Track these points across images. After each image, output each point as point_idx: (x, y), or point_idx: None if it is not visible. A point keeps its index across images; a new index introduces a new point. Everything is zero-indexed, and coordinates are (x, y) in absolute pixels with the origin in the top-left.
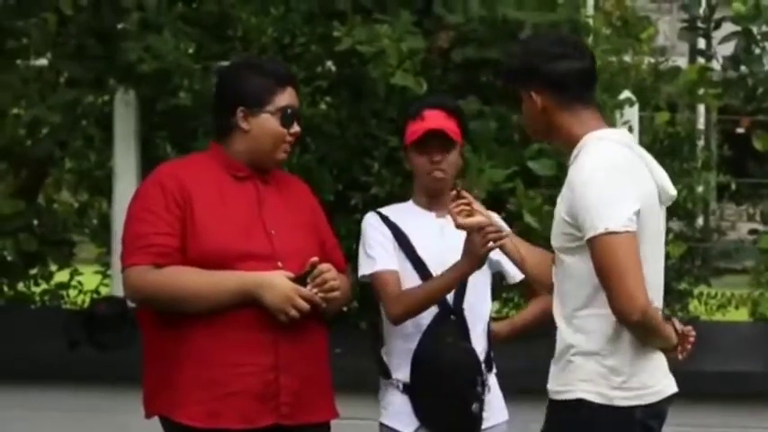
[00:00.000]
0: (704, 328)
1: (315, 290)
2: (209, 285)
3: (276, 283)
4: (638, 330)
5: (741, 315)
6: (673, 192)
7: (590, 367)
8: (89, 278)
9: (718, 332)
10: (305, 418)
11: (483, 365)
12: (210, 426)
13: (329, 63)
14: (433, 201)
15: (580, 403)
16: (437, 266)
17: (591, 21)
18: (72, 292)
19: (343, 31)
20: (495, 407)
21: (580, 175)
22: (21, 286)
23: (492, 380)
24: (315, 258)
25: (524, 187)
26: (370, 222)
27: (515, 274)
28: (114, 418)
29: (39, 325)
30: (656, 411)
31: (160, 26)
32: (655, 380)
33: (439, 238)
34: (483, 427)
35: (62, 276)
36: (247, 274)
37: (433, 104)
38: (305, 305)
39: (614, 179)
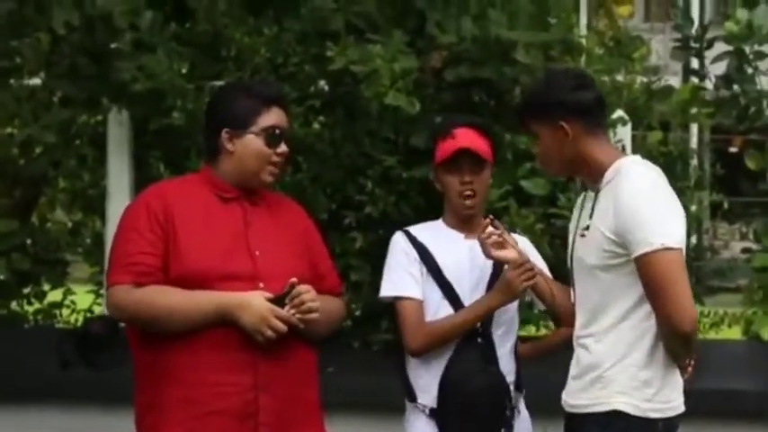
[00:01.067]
0: (697, 347)
1: (292, 311)
2: (186, 305)
3: (253, 303)
4: (687, 340)
5: (734, 334)
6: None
7: (625, 380)
8: (82, 297)
9: (711, 351)
10: None
11: (512, 388)
12: None
13: (322, 83)
14: (464, 222)
15: (616, 415)
16: (464, 289)
17: (584, 40)
18: (65, 312)
19: (336, 50)
20: (522, 429)
21: (629, 195)
22: (14, 305)
23: (521, 402)
24: (293, 279)
25: (517, 206)
26: (398, 242)
27: (541, 301)
28: None
29: (31, 344)
30: (673, 425)
31: (153, 46)
32: (676, 394)
33: (468, 261)
34: None
35: (55, 296)
36: (225, 294)
37: (464, 123)
38: (281, 326)
39: (664, 199)
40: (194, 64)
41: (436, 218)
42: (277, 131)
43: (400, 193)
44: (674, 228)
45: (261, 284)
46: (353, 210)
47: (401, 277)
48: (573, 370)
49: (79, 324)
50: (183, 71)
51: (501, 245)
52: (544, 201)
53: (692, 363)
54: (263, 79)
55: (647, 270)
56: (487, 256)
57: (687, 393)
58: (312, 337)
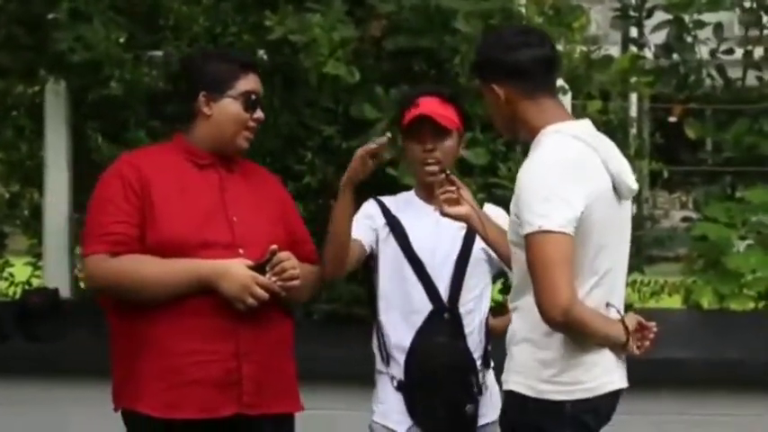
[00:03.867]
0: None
1: (274, 278)
2: (165, 273)
3: (233, 271)
4: (561, 330)
5: (674, 302)
6: (634, 185)
7: (524, 358)
8: (20, 269)
9: (651, 319)
10: (268, 409)
11: (479, 363)
12: (170, 416)
13: (261, 52)
14: (432, 193)
15: (512, 395)
16: (430, 258)
17: (523, 9)
18: (3, 284)
19: (274, 20)
20: (490, 404)
21: (526, 171)
22: None
23: (489, 377)
24: (274, 246)
25: (458, 176)
26: (368, 207)
27: None
28: (51, 411)
29: None
30: (592, 407)
31: (91, 16)
32: (590, 375)
33: (434, 232)
34: (478, 424)
35: None
36: (204, 262)
37: (429, 92)
38: (263, 293)
39: (558, 177)
40: (132, 34)
41: (376, 190)
42: (254, 96)
43: (339, 164)
44: (560, 211)
45: (240, 251)
46: (293, 179)
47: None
48: None
49: (17, 296)
50: (121, 41)
51: (455, 201)
52: (485, 170)
53: (648, 339)
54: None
55: (526, 252)
56: (441, 213)
57: (627, 362)
58: (290, 305)
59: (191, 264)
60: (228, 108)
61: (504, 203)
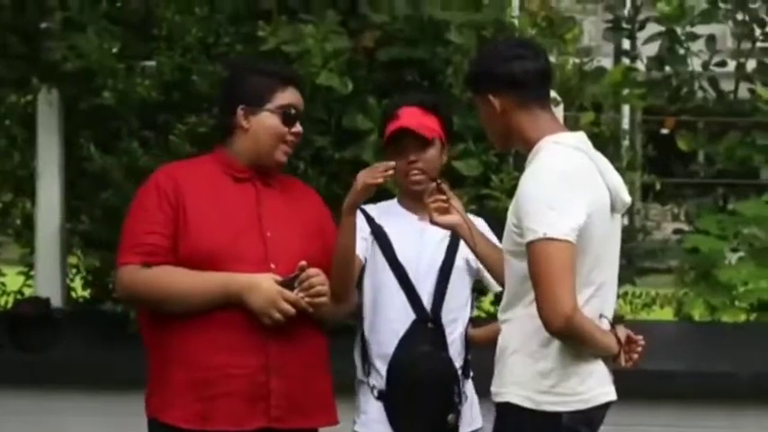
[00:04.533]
0: (629, 328)
1: (301, 294)
2: (194, 286)
3: (262, 285)
4: (562, 338)
5: (666, 314)
6: (627, 199)
7: (520, 370)
8: (12, 279)
9: (642, 331)
10: (298, 423)
11: (459, 373)
12: (198, 427)
13: None
14: (416, 202)
15: (508, 407)
16: (414, 268)
17: (516, 21)
18: None
19: (268, 30)
20: (469, 414)
21: (529, 180)
22: None
23: (469, 387)
24: (303, 262)
25: (450, 187)
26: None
27: (495, 284)
28: (43, 421)
29: None
30: (586, 418)
31: (84, 25)
32: (586, 386)
33: (418, 241)
34: None
35: None
36: (234, 275)
37: (410, 102)
38: (289, 308)
39: (563, 186)
40: (125, 43)
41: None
42: (293, 111)
43: (332, 174)
44: (563, 218)
45: (272, 266)
46: None
47: None
48: None
49: (9, 306)
50: (114, 50)
51: (446, 210)
52: (477, 182)
53: (636, 352)
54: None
55: (528, 260)
56: (431, 221)
57: (618, 374)
58: (322, 322)
59: (221, 277)
60: (266, 122)
61: (496, 214)
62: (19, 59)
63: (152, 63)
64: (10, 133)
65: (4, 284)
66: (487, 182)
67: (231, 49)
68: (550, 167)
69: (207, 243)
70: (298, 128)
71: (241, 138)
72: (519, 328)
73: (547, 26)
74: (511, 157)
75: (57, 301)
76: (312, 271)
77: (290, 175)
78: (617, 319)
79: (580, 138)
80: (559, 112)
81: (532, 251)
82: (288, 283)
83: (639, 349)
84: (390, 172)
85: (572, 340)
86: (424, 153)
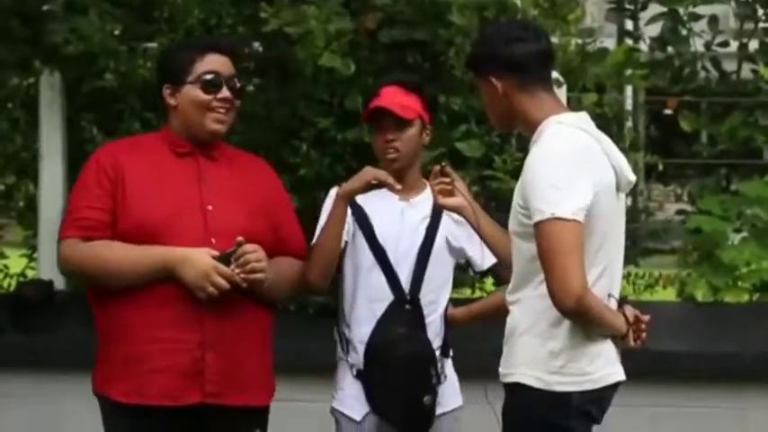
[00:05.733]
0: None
1: (237, 270)
2: (131, 259)
3: (196, 259)
4: (573, 318)
5: (669, 295)
6: (632, 177)
7: (530, 350)
8: (15, 261)
9: (645, 312)
10: (234, 400)
11: (438, 353)
12: (134, 402)
13: (256, 44)
14: (397, 182)
15: (519, 387)
16: (393, 249)
17: (518, 1)
18: None
19: (270, 12)
20: (448, 393)
21: (536, 160)
22: None
23: (448, 367)
24: (240, 238)
25: (452, 168)
26: (331, 197)
27: (482, 262)
28: (46, 403)
29: None
30: (595, 398)
31: (85, 7)
32: (594, 367)
33: (398, 221)
34: (436, 414)
35: None
36: (170, 249)
37: (392, 81)
38: (223, 283)
39: (569, 166)
40: (127, 26)
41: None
42: (211, 76)
43: (334, 156)
44: (572, 199)
45: (213, 240)
46: (288, 172)
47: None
48: None
49: (12, 289)
50: (116, 33)
51: (450, 192)
52: (480, 163)
53: (642, 330)
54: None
55: (537, 240)
56: (435, 203)
57: (623, 355)
58: (268, 299)
59: (156, 250)
60: (189, 94)
61: (499, 195)
62: (21, 42)
63: (154, 45)
64: (12, 116)
65: (6, 267)
66: (490, 163)
67: (233, 31)
68: (557, 148)
69: (145, 217)
70: (224, 93)
71: (174, 115)
72: (528, 308)
73: (549, 7)
74: (513, 137)
75: (60, 284)
76: (249, 247)
77: (244, 149)
78: (621, 300)
79: (583, 117)
80: (562, 93)
81: (541, 231)
82: (225, 258)
83: (644, 327)
84: (398, 187)
85: (582, 320)
86: (402, 133)
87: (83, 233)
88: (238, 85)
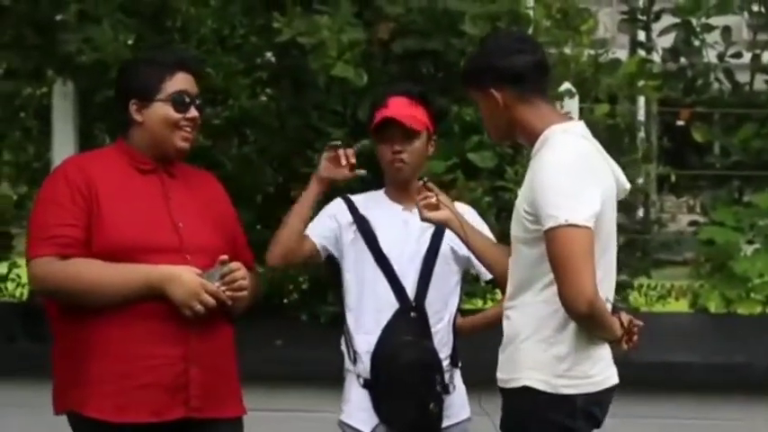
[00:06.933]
0: (644, 320)
1: (223, 287)
2: (115, 278)
3: (183, 277)
4: (585, 322)
5: (681, 306)
6: (627, 185)
7: (536, 355)
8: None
9: (658, 323)
10: (214, 413)
11: (447, 363)
12: (119, 419)
13: (269, 54)
14: (401, 192)
15: (526, 391)
16: (397, 257)
17: (531, 12)
18: (10, 285)
19: (283, 22)
20: (457, 405)
21: (544, 167)
22: None
23: (457, 377)
24: (224, 256)
25: (465, 179)
26: (333, 206)
27: (487, 272)
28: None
29: None
30: (598, 400)
31: (99, 17)
32: (596, 369)
33: (402, 231)
34: (443, 425)
35: (0, 269)
36: (154, 267)
37: (399, 92)
38: (211, 300)
39: (579, 174)
40: (140, 35)
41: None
42: (183, 96)
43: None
44: (583, 204)
45: (188, 257)
46: (301, 182)
47: (312, 224)
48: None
49: (25, 298)
50: (129, 42)
51: (435, 206)
52: (492, 174)
53: (635, 334)
54: (168, 47)
55: (549, 246)
56: (422, 218)
57: (635, 366)
58: (235, 313)
59: (141, 268)
60: (158, 112)
61: (511, 206)
62: (34, 51)
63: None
64: (25, 125)
65: (19, 276)
66: (502, 174)
67: (246, 41)
68: (566, 156)
69: (123, 235)
70: (192, 113)
71: (138, 131)
72: (530, 314)
73: (562, 17)
74: (525, 149)
75: None
76: (234, 265)
77: (188, 163)
78: (633, 311)
79: (583, 126)
80: (574, 103)
81: (554, 237)
82: (209, 276)
83: (636, 330)
84: (353, 160)
85: (592, 324)
86: (409, 144)
87: (58, 251)
88: (198, 103)
